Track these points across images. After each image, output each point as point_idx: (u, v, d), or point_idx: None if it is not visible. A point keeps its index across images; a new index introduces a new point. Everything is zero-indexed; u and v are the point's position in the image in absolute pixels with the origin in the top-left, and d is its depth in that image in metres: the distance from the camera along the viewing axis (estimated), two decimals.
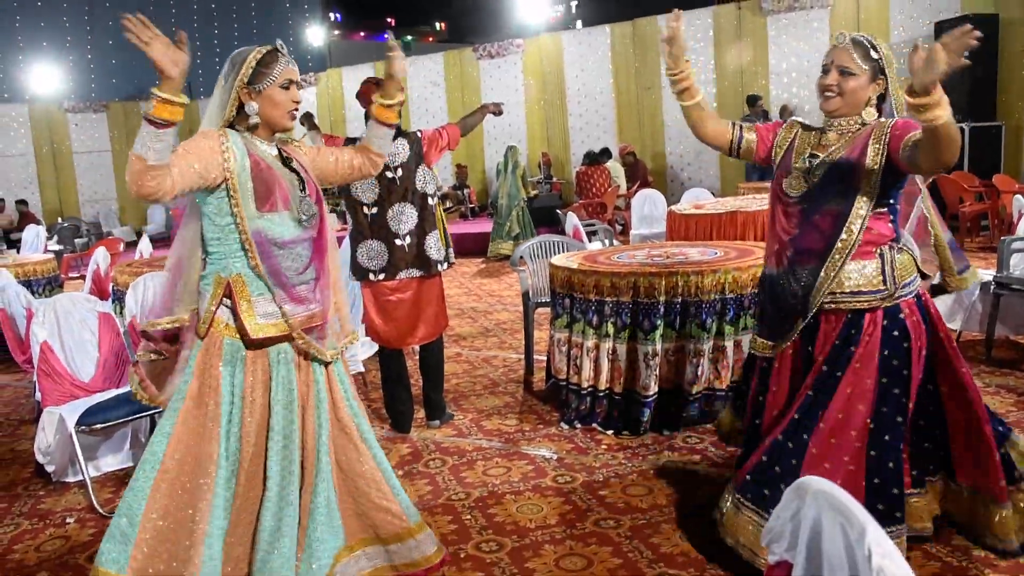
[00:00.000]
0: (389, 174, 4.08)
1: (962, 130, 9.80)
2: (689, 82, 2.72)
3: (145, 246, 7.69)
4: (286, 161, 2.47)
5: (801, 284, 2.52)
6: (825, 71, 2.51)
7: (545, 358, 4.61)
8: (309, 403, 2.45)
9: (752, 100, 11.60)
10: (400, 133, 4.13)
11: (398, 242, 4.08)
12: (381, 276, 4.10)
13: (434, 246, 4.14)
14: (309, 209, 2.43)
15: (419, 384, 4.51)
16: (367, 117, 4.19)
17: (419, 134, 4.19)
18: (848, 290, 2.48)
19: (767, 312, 2.71)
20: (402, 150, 4.10)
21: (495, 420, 4.32)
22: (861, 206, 2.43)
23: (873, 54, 2.46)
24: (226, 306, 2.35)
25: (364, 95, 4.12)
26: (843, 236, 2.44)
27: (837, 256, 2.45)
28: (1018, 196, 6.91)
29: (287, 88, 2.39)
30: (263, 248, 2.34)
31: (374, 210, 4.10)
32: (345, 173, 2.70)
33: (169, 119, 2.02)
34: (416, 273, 4.12)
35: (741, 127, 2.77)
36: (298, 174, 2.47)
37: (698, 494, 3.23)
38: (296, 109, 2.43)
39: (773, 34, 12.21)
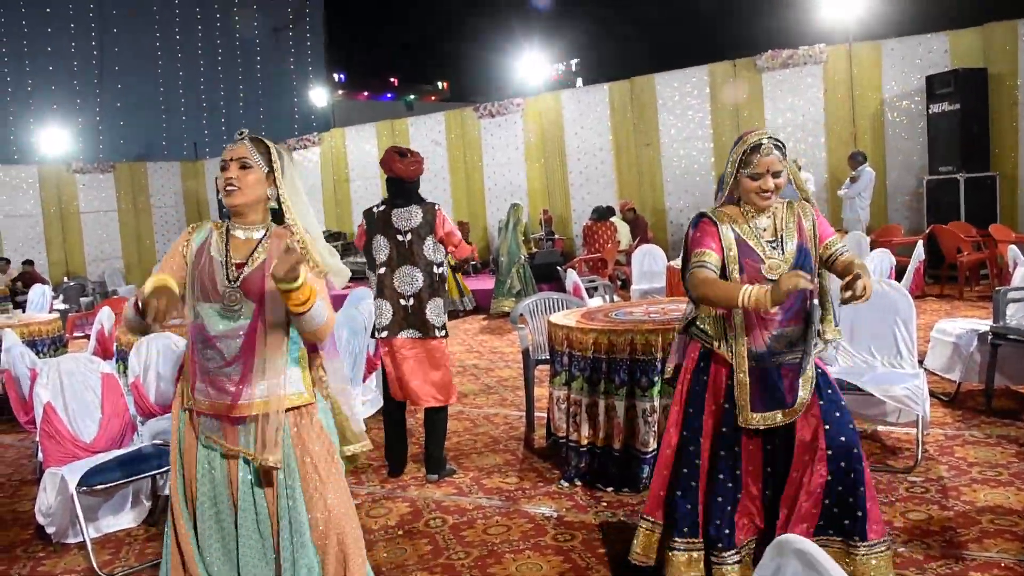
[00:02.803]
0: (400, 237, 4.21)
1: (957, 181, 9.97)
2: None
3: None
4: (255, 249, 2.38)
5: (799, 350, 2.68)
6: (759, 177, 2.66)
7: (546, 415, 4.63)
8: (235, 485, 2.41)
9: None
10: (417, 200, 4.26)
11: (401, 302, 4.22)
12: (384, 334, 4.26)
13: (434, 311, 4.24)
14: (232, 300, 2.31)
15: (420, 441, 4.54)
16: (388, 182, 4.32)
17: (436, 208, 4.28)
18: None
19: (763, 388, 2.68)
20: (416, 216, 4.23)
21: (495, 478, 4.32)
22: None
23: None
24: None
25: (384, 163, 4.27)
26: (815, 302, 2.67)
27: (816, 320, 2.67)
28: (1013, 246, 6.97)
29: (224, 169, 2.37)
30: (193, 336, 2.38)
31: (382, 270, 4.24)
32: None
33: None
34: (415, 334, 4.23)
35: (706, 265, 2.62)
36: (242, 264, 2.36)
37: None
38: (227, 187, 2.34)
39: (768, 90, 12.44)
